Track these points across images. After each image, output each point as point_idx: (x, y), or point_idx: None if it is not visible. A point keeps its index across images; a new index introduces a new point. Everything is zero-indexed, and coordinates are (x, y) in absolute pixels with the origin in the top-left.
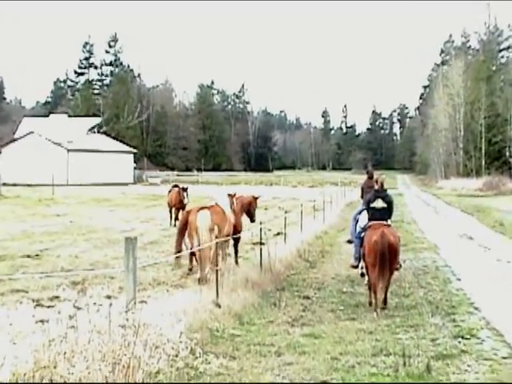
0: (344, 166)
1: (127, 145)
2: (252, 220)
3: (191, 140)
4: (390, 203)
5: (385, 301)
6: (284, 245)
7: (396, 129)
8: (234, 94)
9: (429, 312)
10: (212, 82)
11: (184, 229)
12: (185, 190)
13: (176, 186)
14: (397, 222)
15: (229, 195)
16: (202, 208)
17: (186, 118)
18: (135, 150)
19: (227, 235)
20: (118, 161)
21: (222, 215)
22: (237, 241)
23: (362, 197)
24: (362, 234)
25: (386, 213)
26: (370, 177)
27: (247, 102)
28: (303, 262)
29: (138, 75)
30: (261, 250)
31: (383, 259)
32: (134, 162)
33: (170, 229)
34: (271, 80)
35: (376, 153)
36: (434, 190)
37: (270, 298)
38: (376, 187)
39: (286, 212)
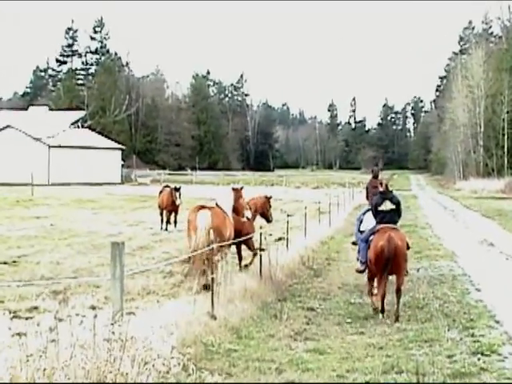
0: (352, 165)
1: (114, 141)
2: (268, 221)
3: (184, 136)
4: (398, 204)
5: (397, 308)
6: (286, 251)
7: (410, 124)
8: (232, 85)
9: (445, 325)
10: (208, 72)
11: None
12: (177, 189)
13: (167, 186)
14: (410, 226)
15: (234, 189)
16: (203, 207)
17: (178, 111)
18: (123, 147)
19: (227, 239)
20: (104, 158)
21: (223, 217)
22: (248, 244)
23: (367, 198)
24: (371, 238)
25: (395, 215)
26: (375, 176)
27: (246, 95)
28: (307, 270)
29: (126, 64)
30: (260, 256)
31: (389, 265)
32: (122, 159)
33: (160, 233)
34: (272, 70)
35: (388, 150)
36: (452, 191)
37: (270, 310)
38: (381, 189)
39: (288, 215)
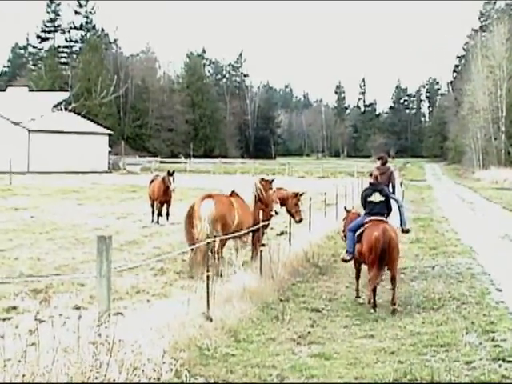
0: (361, 153)
1: (101, 125)
2: (296, 221)
3: (178, 120)
4: (387, 197)
5: (393, 296)
6: (289, 247)
7: (424, 108)
8: (230, 64)
9: (463, 329)
10: (203, 51)
11: (190, 217)
12: (171, 174)
13: (158, 175)
14: (425, 220)
15: (263, 180)
16: (209, 196)
17: (171, 93)
18: (110, 132)
19: (240, 229)
20: (90, 144)
21: (228, 206)
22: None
23: None
24: (361, 230)
25: (384, 207)
26: (384, 163)
27: (245, 75)
28: (312, 268)
29: (114, 41)
30: (261, 252)
31: (385, 256)
32: (109, 145)
33: (151, 226)
34: (274, 48)
35: (400, 137)
36: (470, 182)
37: (271, 311)
38: (371, 180)
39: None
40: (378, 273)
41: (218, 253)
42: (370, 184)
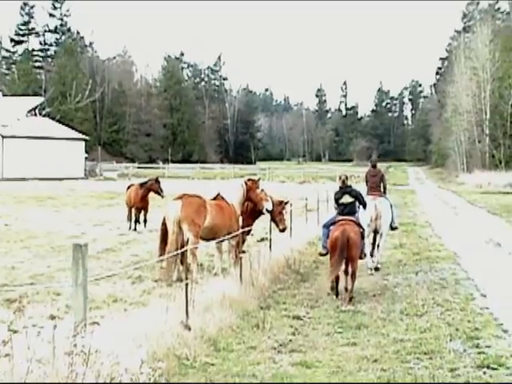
0: (343, 157)
1: (76, 130)
2: (279, 229)
3: (155, 125)
4: (356, 196)
5: (351, 290)
6: (269, 253)
7: (407, 111)
8: (209, 68)
9: (447, 336)
10: (181, 53)
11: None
12: (157, 181)
13: (132, 184)
14: (408, 225)
15: (248, 180)
16: (179, 197)
17: (149, 97)
18: (86, 137)
19: (229, 233)
20: (65, 150)
21: (199, 207)
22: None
23: (366, 185)
24: (331, 228)
25: (354, 206)
26: (374, 166)
27: (224, 79)
28: (293, 275)
29: (90, 44)
30: (240, 259)
31: (342, 253)
32: (85, 151)
33: (129, 233)
34: (254, 51)
35: (383, 140)
36: (454, 185)
37: (251, 319)
38: (339, 184)
39: (268, 211)
40: (337, 267)
41: (190, 257)
42: (340, 187)
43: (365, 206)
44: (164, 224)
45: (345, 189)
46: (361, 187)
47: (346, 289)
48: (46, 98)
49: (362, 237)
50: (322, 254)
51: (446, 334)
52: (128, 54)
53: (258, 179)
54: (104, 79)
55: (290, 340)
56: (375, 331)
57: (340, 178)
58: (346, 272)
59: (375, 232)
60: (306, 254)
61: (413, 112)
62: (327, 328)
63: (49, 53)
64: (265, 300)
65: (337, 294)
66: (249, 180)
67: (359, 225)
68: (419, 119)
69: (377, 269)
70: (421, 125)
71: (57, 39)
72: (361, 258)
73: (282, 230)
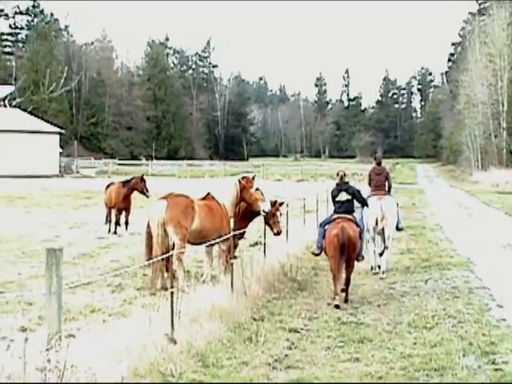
0: (345, 153)
1: (50, 123)
2: (274, 233)
3: (138, 117)
4: (353, 194)
5: (346, 293)
6: (263, 259)
7: (416, 102)
8: (197, 54)
9: (459, 350)
10: (166, 38)
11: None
12: (143, 179)
13: (112, 183)
14: (417, 228)
15: (244, 178)
16: (164, 197)
17: (130, 86)
18: (61, 131)
19: (220, 236)
20: (38, 145)
21: (186, 208)
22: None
23: (369, 184)
24: (326, 227)
25: (351, 204)
26: (379, 163)
27: (214, 66)
28: (289, 283)
29: (65, 28)
30: (231, 266)
31: (342, 252)
32: (60, 146)
33: (108, 237)
34: (246, 36)
35: (389, 135)
36: (467, 184)
37: (243, 332)
38: (337, 181)
39: (265, 214)
40: (339, 268)
41: (175, 262)
42: (337, 184)
43: (363, 205)
44: (149, 227)
45: (342, 185)
46: (364, 186)
47: (342, 290)
48: (17, 87)
49: (360, 237)
50: (314, 254)
51: (458, 348)
52: (107, 39)
53: (253, 177)
54: (81, 66)
55: (286, 355)
56: (380, 345)
57: (338, 174)
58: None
59: (381, 234)
60: (303, 260)
61: (422, 103)
62: (327, 341)
63: (20, 37)
64: (258, 311)
65: (336, 295)
66: (243, 178)
67: (357, 224)
68: (429, 111)
69: (382, 278)
70: (431, 117)
71: (28, 22)
72: (357, 259)
73: (277, 234)
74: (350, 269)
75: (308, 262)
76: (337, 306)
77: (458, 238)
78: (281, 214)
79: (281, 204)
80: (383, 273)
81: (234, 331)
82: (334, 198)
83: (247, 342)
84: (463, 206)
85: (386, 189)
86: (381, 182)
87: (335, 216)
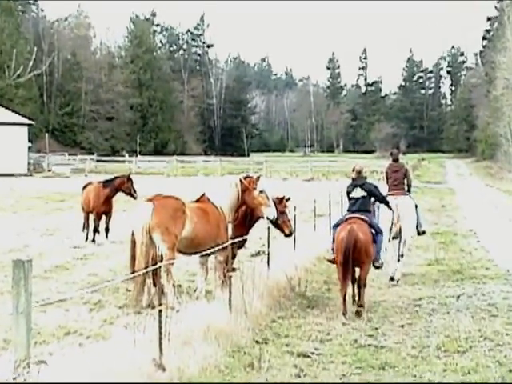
0: (362, 147)
1: (17, 113)
2: (285, 234)
3: (120, 106)
4: (370, 191)
5: (359, 303)
6: (267, 271)
7: (445, 87)
8: (189, 32)
9: (497, 378)
10: (153, 14)
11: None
12: (129, 179)
13: (90, 183)
14: (447, 234)
15: (247, 178)
16: (150, 199)
17: (111, 70)
18: (31, 122)
19: (216, 245)
20: (3, 138)
21: (175, 212)
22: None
23: (387, 183)
24: (339, 228)
25: (366, 202)
26: (395, 159)
27: (209, 46)
28: (298, 299)
29: (35, 2)
30: (230, 279)
31: (347, 257)
32: (29, 140)
33: (86, 246)
34: (247, 11)
35: (413, 126)
36: (506, 183)
37: (244, 356)
38: (352, 175)
39: (269, 219)
40: (345, 277)
41: (164, 275)
42: (352, 179)
43: (382, 202)
44: (134, 234)
45: (357, 181)
46: (384, 185)
47: (354, 300)
48: None
49: (375, 240)
50: (329, 261)
51: (496, 375)
52: (84, 14)
53: (258, 177)
54: (53, 47)
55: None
56: (404, 372)
57: (354, 168)
58: (352, 280)
59: (398, 237)
60: (314, 273)
61: (452, 88)
62: (342, 368)
63: None
64: (261, 332)
65: (344, 312)
66: (245, 178)
67: (371, 225)
68: (461, 98)
69: (394, 284)
70: (463, 105)
71: None
72: (375, 266)
73: (289, 235)
74: (362, 273)
75: (319, 274)
76: (357, 313)
77: (496, 246)
78: (289, 212)
79: (288, 200)
80: (393, 279)
81: (233, 356)
82: (348, 194)
83: (248, 368)
84: (501, 208)
85: (406, 188)
86: (398, 181)
87: (348, 215)
